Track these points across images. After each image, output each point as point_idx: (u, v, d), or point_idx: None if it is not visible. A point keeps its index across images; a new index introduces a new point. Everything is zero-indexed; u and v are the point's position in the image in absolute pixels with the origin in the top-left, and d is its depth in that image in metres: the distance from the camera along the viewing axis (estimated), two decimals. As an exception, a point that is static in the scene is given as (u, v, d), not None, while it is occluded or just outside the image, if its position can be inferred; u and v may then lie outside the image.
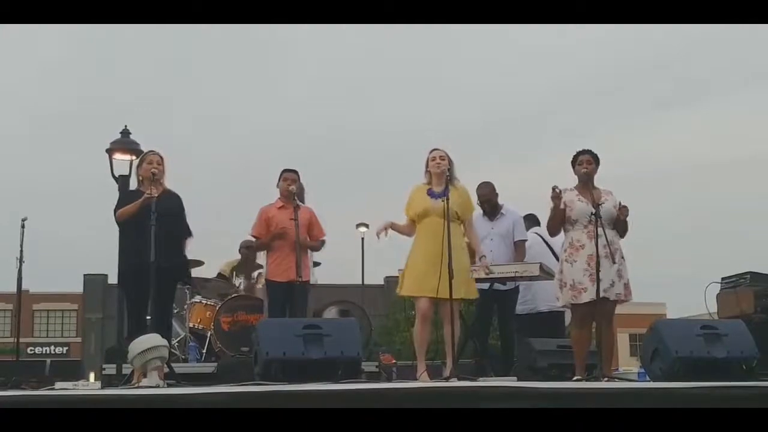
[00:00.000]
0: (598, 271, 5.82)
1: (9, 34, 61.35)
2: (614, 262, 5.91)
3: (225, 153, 61.83)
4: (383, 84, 66.68)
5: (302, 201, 7.44)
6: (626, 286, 6.03)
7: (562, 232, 6.20)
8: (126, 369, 6.24)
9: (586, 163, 6.16)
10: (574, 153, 6.25)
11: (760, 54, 64.48)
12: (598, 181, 6.24)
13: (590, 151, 6.22)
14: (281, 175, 7.34)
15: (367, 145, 63.62)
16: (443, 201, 6.11)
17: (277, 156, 55.10)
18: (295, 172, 7.36)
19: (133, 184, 7.51)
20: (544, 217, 6.62)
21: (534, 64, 64.66)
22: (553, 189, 6.00)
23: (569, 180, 6.24)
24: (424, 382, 5.89)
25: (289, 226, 7.02)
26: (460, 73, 63.95)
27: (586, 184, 6.14)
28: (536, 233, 7.93)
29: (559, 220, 6.11)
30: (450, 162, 6.38)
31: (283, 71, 64.52)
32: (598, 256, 5.83)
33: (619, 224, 6.12)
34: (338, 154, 58.80)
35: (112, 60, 61.64)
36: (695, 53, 64.75)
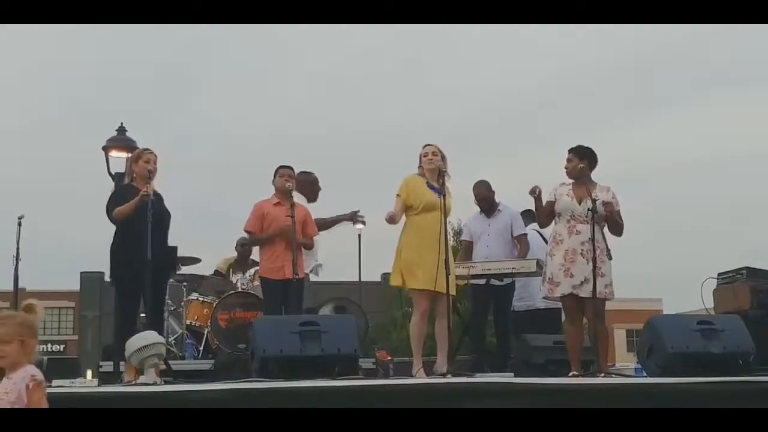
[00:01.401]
0: (594, 265, 5.82)
1: (9, 34, 61.07)
2: (591, 260, 5.86)
3: (223, 151, 61.70)
4: (383, 84, 66.52)
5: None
6: (607, 286, 5.98)
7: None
8: (123, 367, 6.23)
9: (573, 160, 6.18)
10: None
11: (760, 54, 64.38)
12: (599, 180, 6.25)
13: (578, 147, 6.23)
14: (277, 171, 7.27)
15: (365, 143, 63.49)
16: (440, 197, 6.16)
17: (275, 154, 55.16)
18: (291, 168, 7.32)
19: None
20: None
21: (533, 63, 64.55)
22: (533, 190, 6.12)
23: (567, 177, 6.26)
24: (420, 378, 5.90)
25: (286, 224, 6.97)
26: (459, 73, 63.80)
27: (580, 180, 6.15)
28: (534, 230, 7.94)
29: (545, 214, 6.24)
30: (443, 157, 6.38)
31: (282, 71, 64.31)
32: (594, 251, 5.84)
33: (610, 222, 6.11)
34: (335, 152, 58.63)
35: (112, 60, 61.46)
36: (695, 53, 64.63)
